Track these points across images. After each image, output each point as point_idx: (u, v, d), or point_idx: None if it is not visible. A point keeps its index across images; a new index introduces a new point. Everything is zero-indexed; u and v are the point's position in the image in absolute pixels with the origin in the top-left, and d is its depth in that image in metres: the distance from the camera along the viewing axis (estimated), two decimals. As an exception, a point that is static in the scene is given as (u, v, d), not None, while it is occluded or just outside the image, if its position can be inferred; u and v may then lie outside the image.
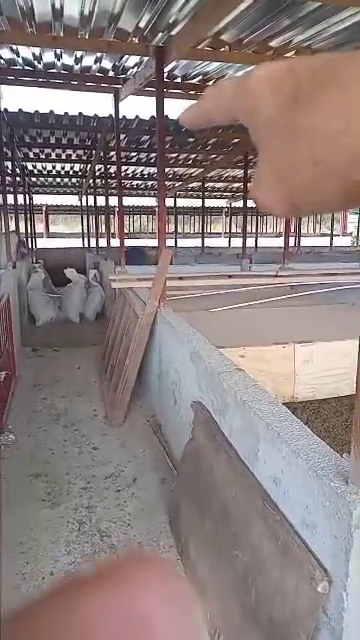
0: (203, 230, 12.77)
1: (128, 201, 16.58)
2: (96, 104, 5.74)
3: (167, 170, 9.91)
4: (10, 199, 6.75)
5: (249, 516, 1.61)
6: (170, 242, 11.65)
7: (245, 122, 0.28)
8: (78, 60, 4.26)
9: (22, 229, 9.74)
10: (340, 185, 0.24)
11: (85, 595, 0.18)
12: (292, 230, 12.03)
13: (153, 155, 8.17)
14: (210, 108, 0.31)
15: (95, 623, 0.17)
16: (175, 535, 2.27)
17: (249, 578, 1.54)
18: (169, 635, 0.18)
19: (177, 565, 2.10)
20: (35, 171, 10.71)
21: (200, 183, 11.59)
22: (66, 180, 12.11)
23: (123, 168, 9.29)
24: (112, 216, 9.49)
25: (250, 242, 11.39)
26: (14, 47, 3.98)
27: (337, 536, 1.17)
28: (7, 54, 4.17)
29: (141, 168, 10.11)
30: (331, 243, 14.54)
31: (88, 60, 4.27)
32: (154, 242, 8.39)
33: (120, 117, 5.26)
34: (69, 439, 3.33)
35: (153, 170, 9.85)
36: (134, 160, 9.06)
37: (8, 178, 6.74)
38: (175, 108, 4.91)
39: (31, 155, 8.65)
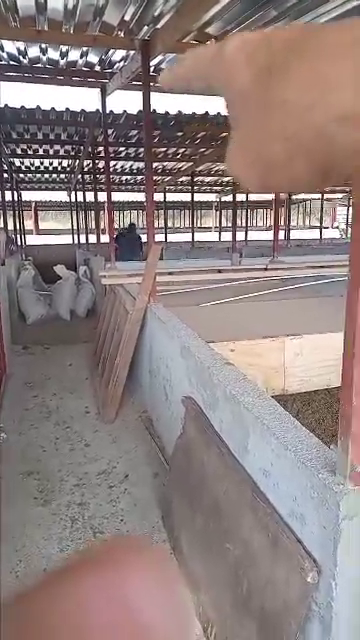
0: (193, 224, 12.74)
1: (117, 196, 16.50)
2: (83, 99, 5.70)
3: (156, 165, 9.88)
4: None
5: (240, 509, 1.62)
6: (160, 237, 11.62)
7: (219, 92, 0.27)
8: (64, 54, 4.22)
9: (11, 226, 9.68)
10: (309, 163, 0.24)
11: (76, 580, 0.18)
12: (282, 223, 12.07)
13: (141, 150, 8.13)
14: (188, 73, 0.29)
15: (86, 607, 0.17)
16: (168, 529, 2.28)
17: (240, 570, 1.56)
18: (159, 618, 0.18)
19: (170, 559, 2.11)
20: (23, 167, 10.61)
21: (189, 177, 11.56)
22: (55, 176, 12.02)
23: (112, 163, 9.24)
24: (102, 212, 9.45)
25: (240, 236, 11.41)
26: (-2, 42, 3.94)
27: (325, 527, 1.18)
28: (-9, 49, 4.12)
29: (130, 163, 10.06)
30: (321, 235, 14.58)
31: (74, 54, 4.23)
32: (144, 237, 8.37)
33: (107, 112, 5.23)
34: (61, 436, 3.32)
35: (142, 165, 9.80)
36: (122, 155, 9.01)
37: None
38: (162, 102, 4.89)
39: (18, 151, 8.56)
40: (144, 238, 8.22)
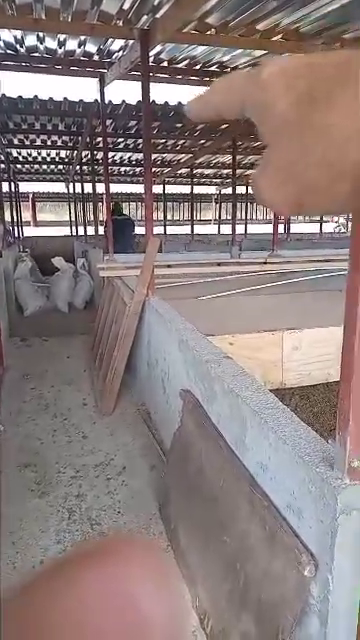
0: (192, 217, 12.70)
1: (116, 188, 16.41)
2: (81, 89, 5.65)
3: (155, 156, 9.81)
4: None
5: (237, 502, 1.62)
6: (159, 229, 11.57)
7: (255, 118, 0.27)
8: (61, 44, 4.17)
9: (8, 217, 9.62)
10: (351, 187, 0.24)
11: (75, 574, 0.18)
12: (281, 217, 12.02)
13: (140, 141, 8.07)
14: (218, 101, 0.30)
15: (85, 601, 0.18)
16: (165, 521, 2.29)
17: (237, 563, 1.56)
18: (155, 612, 0.18)
19: (167, 551, 2.12)
20: (20, 158, 10.53)
21: (189, 169, 11.49)
22: (52, 167, 11.93)
23: (110, 154, 9.17)
24: (100, 203, 9.39)
25: (240, 229, 11.37)
26: (-5, 30, 3.88)
27: (323, 521, 1.18)
28: (-13, 37, 4.06)
29: (129, 154, 9.99)
30: (321, 229, 14.55)
31: (72, 44, 4.18)
32: (142, 230, 8.33)
33: (106, 102, 5.18)
34: (58, 428, 3.32)
35: (141, 156, 9.74)
36: (121, 146, 8.95)
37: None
38: (162, 92, 4.85)
39: (16, 142, 8.49)
40: (142, 230, 8.18)
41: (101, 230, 7.48)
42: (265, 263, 5.65)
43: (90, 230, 9.35)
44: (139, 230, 9.33)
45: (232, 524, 1.63)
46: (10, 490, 2.59)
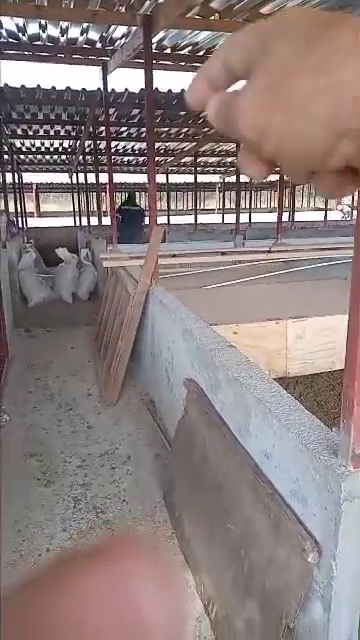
0: (196, 206, 12.62)
1: (119, 178, 16.32)
2: (84, 77, 5.59)
3: (158, 145, 9.74)
4: (-2, 177, 6.63)
5: (241, 490, 1.62)
6: (163, 219, 11.52)
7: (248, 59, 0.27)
8: (64, 31, 4.13)
9: (12, 208, 9.60)
10: (324, 136, 0.24)
11: (76, 574, 0.18)
12: (286, 205, 11.94)
13: (144, 130, 8.01)
14: (220, 65, 0.29)
15: (86, 601, 0.17)
16: (169, 509, 2.30)
17: (242, 550, 1.57)
18: (155, 612, 0.18)
19: (171, 539, 2.13)
20: (24, 148, 10.49)
21: (192, 158, 11.40)
22: (56, 157, 11.88)
23: (113, 144, 9.11)
24: (103, 194, 9.35)
25: (244, 218, 11.29)
26: (-4, 18, 3.84)
27: (327, 508, 1.18)
28: (-10, 25, 4.03)
29: (132, 144, 9.92)
30: (325, 218, 14.45)
31: (74, 32, 4.14)
32: (146, 219, 8.29)
33: (109, 90, 5.13)
34: (63, 418, 3.34)
35: (144, 145, 9.66)
36: (124, 135, 8.88)
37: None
38: (165, 80, 4.80)
39: (19, 132, 8.44)
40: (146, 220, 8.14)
41: (107, 221, 7.45)
42: (269, 252, 5.62)
43: (94, 220, 9.32)
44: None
45: (236, 511, 1.64)
46: (16, 479, 2.61)
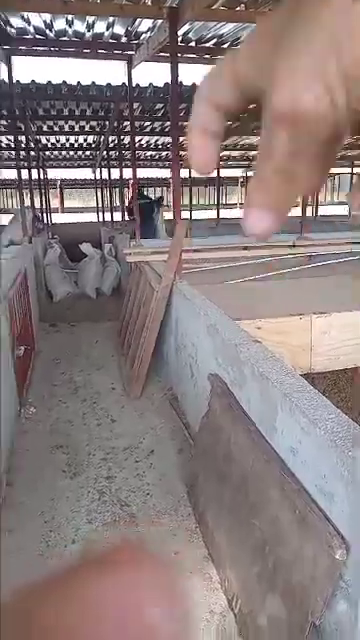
0: (218, 201, 12.56)
1: (142, 173, 16.35)
2: (109, 72, 5.62)
3: (182, 139, 9.71)
4: (24, 174, 6.71)
5: (267, 485, 1.62)
6: (185, 214, 11.49)
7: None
8: (90, 26, 4.15)
9: (37, 204, 9.72)
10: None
11: (81, 584, 0.18)
12: (309, 198, 11.75)
13: (167, 124, 8.00)
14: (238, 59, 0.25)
15: (91, 608, 0.17)
16: (193, 504, 2.31)
17: (267, 546, 1.56)
18: (160, 622, 0.18)
19: (195, 533, 2.14)
20: (49, 145, 10.60)
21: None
22: (80, 153, 11.97)
23: (137, 139, 9.12)
24: (126, 189, 9.38)
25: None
26: (25, 15, 3.89)
27: (355, 504, 1.16)
28: (18, 22, 4.08)
29: (155, 138, 9.92)
30: (350, 212, 14.19)
31: (100, 26, 4.16)
32: (169, 214, 8.28)
33: (134, 85, 5.14)
34: (88, 412, 3.38)
35: (168, 140, 9.65)
36: (148, 130, 8.89)
37: (22, 152, 6.68)
38: (189, 73, 4.77)
39: (45, 128, 8.53)
40: (169, 215, 8.11)
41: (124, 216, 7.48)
42: (293, 246, 5.55)
43: (117, 216, 9.36)
44: (166, 215, 9.25)
45: (261, 507, 1.63)
46: (42, 471, 2.66)
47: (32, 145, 8.36)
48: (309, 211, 10.41)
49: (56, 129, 8.67)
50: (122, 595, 0.18)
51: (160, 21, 3.67)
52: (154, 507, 2.35)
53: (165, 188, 20.79)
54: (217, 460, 2.08)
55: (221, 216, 12.28)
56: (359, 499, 1.15)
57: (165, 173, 17.03)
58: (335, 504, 1.26)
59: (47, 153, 11.75)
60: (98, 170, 12.04)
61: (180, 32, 3.65)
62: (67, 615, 0.17)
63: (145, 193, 9.94)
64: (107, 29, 4.21)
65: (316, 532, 1.31)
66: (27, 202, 7.31)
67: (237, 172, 17.39)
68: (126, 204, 9.31)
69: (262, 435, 1.73)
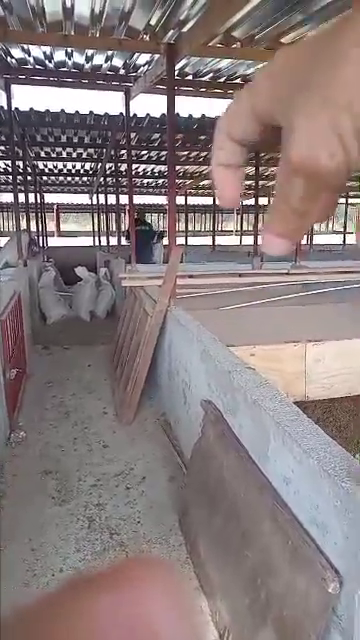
0: (214, 228, 12.73)
1: (139, 199, 16.58)
2: (107, 102, 5.75)
3: (178, 168, 9.89)
4: (21, 198, 6.78)
5: (259, 515, 1.60)
6: (181, 240, 11.61)
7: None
8: (89, 59, 4.27)
9: (33, 228, 9.80)
10: None
11: (91, 596, 0.18)
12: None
13: (164, 153, 8.17)
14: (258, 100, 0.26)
15: (100, 624, 0.17)
16: (184, 533, 2.27)
17: (259, 578, 1.53)
18: (168, 637, 0.18)
19: (186, 564, 2.10)
20: (46, 170, 10.76)
21: (211, 181, 11.54)
22: (77, 179, 12.14)
23: (134, 166, 9.29)
24: (123, 214, 9.49)
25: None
26: (25, 46, 4.00)
27: (348, 537, 1.15)
28: (18, 53, 4.19)
29: (152, 166, 10.11)
30: (344, 241, 14.41)
31: (99, 59, 4.28)
32: (164, 240, 8.36)
33: (131, 115, 5.26)
34: (79, 437, 3.34)
35: (164, 168, 9.83)
36: (145, 158, 9.06)
37: (19, 177, 6.77)
38: (186, 105, 4.90)
39: (42, 154, 8.68)
40: (165, 240, 8.19)
41: (123, 241, 7.55)
42: (288, 274, 5.62)
43: (113, 241, 9.44)
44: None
45: (254, 537, 1.61)
46: (31, 496, 2.61)
47: (29, 170, 8.48)
48: (304, 239, 10.55)
49: (54, 155, 8.82)
50: (131, 612, 0.18)
51: (158, 55, 3.79)
52: (144, 536, 2.30)
53: (162, 214, 21.07)
54: (209, 488, 2.06)
55: (217, 243, 12.41)
56: (352, 531, 1.14)
57: (161, 200, 17.28)
58: (328, 535, 1.25)
59: (45, 178, 11.92)
60: (95, 195, 12.20)
61: (177, 66, 3.77)
62: (74, 632, 0.17)
63: (145, 219, 9.98)
64: (106, 61, 4.34)
65: (309, 564, 1.29)
66: (23, 225, 7.37)
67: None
68: (122, 229, 9.40)
69: (255, 463, 1.71)
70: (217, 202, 0.29)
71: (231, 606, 1.70)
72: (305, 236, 12.17)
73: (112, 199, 8.77)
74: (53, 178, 12.12)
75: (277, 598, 1.42)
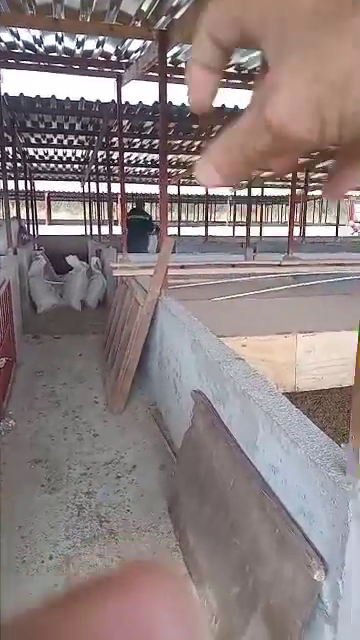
0: (207, 219, 12.70)
1: (131, 188, 16.45)
2: (98, 89, 5.68)
3: (170, 157, 9.82)
4: (11, 185, 6.70)
5: (247, 504, 1.61)
6: (173, 230, 11.57)
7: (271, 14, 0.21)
8: (80, 44, 4.21)
9: (24, 215, 9.70)
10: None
11: (92, 602, 0.18)
12: (297, 219, 11.96)
13: (156, 142, 8.09)
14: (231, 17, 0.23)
15: (102, 630, 0.17)
16: (174, 521, 2.29)
17: (247, 565, 1.55)
18: None
19: (175, 551, 2.12)
20: (37, 157, 10.63)
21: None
22: (68, 166, 12.02)
23: (126, 155, 9.20)
24: (115, 203, 9.42)
25: (255, 231, 11.32)
26: (14, 30, 3.93)
27: (334, 525, 1.17)
28: (7, 37, 4.11)
29: (144, 155, 10.02)
30: (337, 233, 14.45)
31: (90, 44, 4.22)
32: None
33: (123, 102, 5.20)
34: (69, 425, 3.34)
35: (156, 157, 9.75)
36: (137, 147, 8.98)
37: (9, 164, 6.69)
38: (179, 93, 4.85)
39: (32, 141, 8.57)
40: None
41: (118, 230, 7.52)
42: (280, 265, 5.63)
43: (104, 229, 9.39)
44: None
45: (242, 526, 1.63)
46: (21, 485, 2.61)
47: (19, 157, 8.37)
48: (297, 231, 10.58)
49: (44, 142, 8.71)
50: (133, 617, 0.17)
51: (150, 41, 3.74)
52: (134, 524, 2.32)
53: (154, 204, 20.95)
54: (199, 477, 2.08)
55: (209, 233, 12.38)
56: (338, 520, 1.15)
57: (154, 189, 17.17)
58: (315, 524, 1.27)
59: (35, 165, 11.77)
60: (87, 184, 12.09)
61: (170, 53, 3.72)
62: (77, 636, 0.17)
63: (144, 209, 9.82)
64: (97, 47, 4.27)
65: (295, 552, 1.30)
66: (13, 213, 7.29)
67: (225, 191, 17.61)
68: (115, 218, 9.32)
69: (243, 453, 1.73)
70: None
71: (219, 593, 1.72)
72: (298, 228, 12.20)
73: (104, 187, 8.71)
74: (44, 165, 11.98)
75: (265, 586, 1.44)
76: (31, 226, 11.33)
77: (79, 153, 10.04)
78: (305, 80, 0.20)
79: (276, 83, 0.21)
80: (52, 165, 11.87)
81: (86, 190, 12.43)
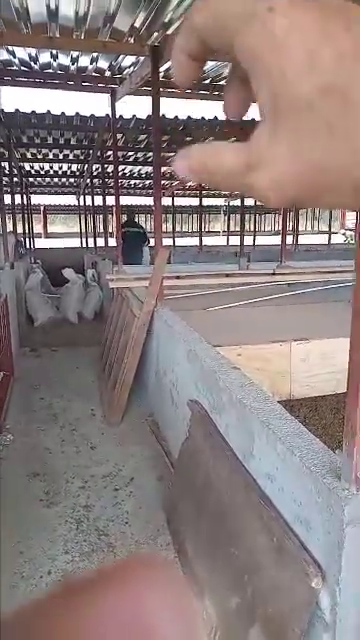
0: (201, 229, 12.76)
1: (126, 200, 16.55)
2: (93, 104, 5.74)
3: (164, 169, 9.90)
4: (7, 199, 6.74)
5: (245, 513, 1.62)
6: (168, 241, 11.61)
7: (251, 69, 0.22)
8: (74, 60, 4.27)
9: (20, 229, 9.74)
10: None
11: (88, 596, 0.18)
12: (290, 228, 12.05)
13: (150, 154, 8.17)
14: (202, 25, 0.24)
15: (98, 625, 0.17)
16: (172, 533, 2.28)
17: (245, 575, 1.55)
18: (170, 638, 0.18)
19: (175, 563, 2.11)
20: (33, 171, 10.70)
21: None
22: (64, 180, 12.09)
23: (120, 167, 9.28)
24: (110, 215, 9.48)
25: (248, 240, 11.38)
26: (10, 48, 3.98)
27: (330, 532, 1.18)
28: (3, 55, 4.17)
29: (138, 167, 10.11)
30: (329, 241, 14.54)
31: (84, 60, 4.28)
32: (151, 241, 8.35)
33: (117, 117, 5.26)
34: (67, 438, 3.34)
35: (150, 169, 9.84)
36: (131, 159, 9.06)
37: (5, 179, 6.73)
38: (172, 107, 4.92)
39: (28, 155, 8.63)
40: (152, 242, 8.18)
41: (113, 242, 7.55)
42: (273, 274, 5.66)
43: (100, 242, 9.43)
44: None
45: (240, 536, 1.63)
46: (19, 499, 2.60)
47: (15, 172, 8.43)
48: (289, 240, 10.65)
49: (40, 157, 8.77)
50: (129, 611, 0.17)
51: (143, 57, 3.80)
52: (132, 537, 2.31)
53: (149, 215, 21.04)
54: (196, 488, 2.08)
55: (204, 243, 12.44)
56: (333, 526, 1.16)
57: (148, 201, 17.26)
58: (311, 531, 1.27)
59: (31, 179, 11.85)
60: (82, 197, 12.16)
61: (162, 68, 3.77)
62: (74, 630, 0.17)
63: (136, 221, 9.89)
64: (91, 63, 4.34)
65: (293, 560, 1.31)
66: (10, 227, 7.32)
67: (219, 201, 17.76)
68: (110, 230, 9.38)
69: (240, 462, 1.74)
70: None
71: (219, 604, 1.72)
72: (290, 236, 12.27)
73: (99, 200, 8.76)
74: (40, 179, 12.05)
75: (263, 595, 1.44)
76: (27, 240, 11.37)
77: (74, 167, 10.12)
78: (292, 162, 0.21)
79: (262, 159, 0.22)
80: (48, 179, 11.94)
81: (81, 203, 12.50)
